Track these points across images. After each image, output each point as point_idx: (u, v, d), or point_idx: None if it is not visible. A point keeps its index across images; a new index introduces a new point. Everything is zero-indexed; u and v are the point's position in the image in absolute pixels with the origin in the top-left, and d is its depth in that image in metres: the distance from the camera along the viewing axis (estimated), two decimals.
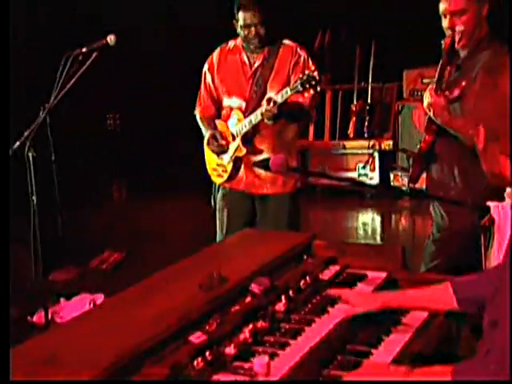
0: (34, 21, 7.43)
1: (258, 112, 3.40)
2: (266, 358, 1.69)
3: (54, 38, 6.70)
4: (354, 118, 6.73)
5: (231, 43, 3.65)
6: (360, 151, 6.95)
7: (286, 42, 3.59)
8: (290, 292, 2.12)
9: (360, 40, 6.79)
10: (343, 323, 2.00)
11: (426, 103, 2.95)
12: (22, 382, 1.58)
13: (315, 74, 3.30)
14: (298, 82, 3.29)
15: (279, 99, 3.33)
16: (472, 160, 2.84)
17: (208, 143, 3.64)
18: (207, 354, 1.72)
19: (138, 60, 7.76)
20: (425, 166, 3.09)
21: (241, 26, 3.45)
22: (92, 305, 4.06)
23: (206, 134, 3.67)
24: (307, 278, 2.24)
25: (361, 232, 6.28)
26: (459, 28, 2.83)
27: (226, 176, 3.62)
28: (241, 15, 3.43)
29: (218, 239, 3.72)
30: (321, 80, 3.36)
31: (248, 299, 2.05)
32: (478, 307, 1.97)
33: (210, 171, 3.75)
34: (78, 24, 7.20)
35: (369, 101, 6.86)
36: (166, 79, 7.60)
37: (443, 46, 2.89)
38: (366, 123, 6.72)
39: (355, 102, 6.71)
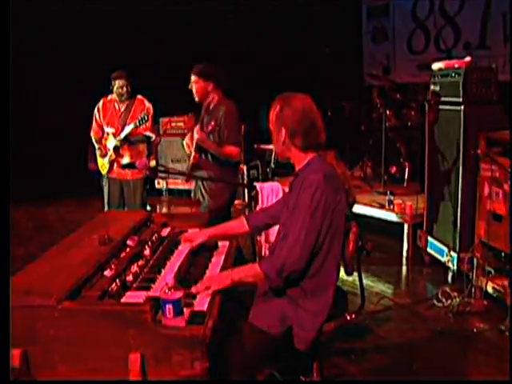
0: None
1: (117, 139, 4.55)
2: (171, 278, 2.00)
3: None
4: None
5: (109, 97, 4.69)
6: None
7: (139, 96, 4.69)
8: (149, 243, 2.45)
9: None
10: (188, 255, 2.38)
11: (188, 137, 3.79)
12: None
13: (145, 116, 4.38)
14: (136, 121, 4.42)
15: (122, 136, 4.49)
16: (220, 167, 3.62)
17: (97, 152, 4.74)
18: (117, 281, 2.01)
19: None
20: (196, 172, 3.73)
21: (117, 87, 4.55)
22: None
23: (96, 146, 4.72)
24: (155, 235, 2.60)
25: None
26: (196, 90, 3.74)
27: (106, 170, 4.69)
28: (117, 81, 4.54)
29: (105, 205, 4.79)
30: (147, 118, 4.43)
31: (128, 249, 2.34)
32: (259, 230, 2.53)
33: (99, 167, 4.72)
34: None
35: None
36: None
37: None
38: None
39: None
